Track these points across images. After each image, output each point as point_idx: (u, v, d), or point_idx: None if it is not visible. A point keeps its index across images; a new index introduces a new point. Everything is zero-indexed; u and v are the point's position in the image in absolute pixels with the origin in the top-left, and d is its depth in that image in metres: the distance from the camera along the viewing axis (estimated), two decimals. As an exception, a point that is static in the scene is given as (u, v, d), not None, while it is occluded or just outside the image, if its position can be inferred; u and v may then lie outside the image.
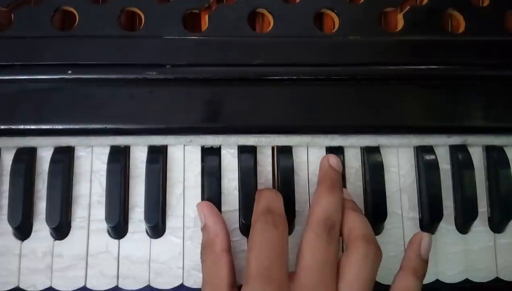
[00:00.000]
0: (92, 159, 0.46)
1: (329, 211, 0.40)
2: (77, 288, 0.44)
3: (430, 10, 0.47)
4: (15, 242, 0.44)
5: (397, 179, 0.46)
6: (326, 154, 0.46)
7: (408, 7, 0.47)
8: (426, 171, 0.45)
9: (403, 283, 0.39)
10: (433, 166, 0.46)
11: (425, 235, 0.41)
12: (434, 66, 0.46)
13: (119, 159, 0.45)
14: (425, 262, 0.40)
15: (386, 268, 0.45)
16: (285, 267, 0.39)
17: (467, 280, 0.45)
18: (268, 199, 0.41)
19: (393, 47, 0.46)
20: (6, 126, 0.43)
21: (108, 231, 0.45)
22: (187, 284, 0.44)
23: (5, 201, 0.44)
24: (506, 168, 0.46)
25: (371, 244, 0.38)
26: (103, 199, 0.44)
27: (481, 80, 0.46)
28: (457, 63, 0.46)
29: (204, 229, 0.43)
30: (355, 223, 0.40)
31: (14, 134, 0.44)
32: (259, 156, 0.46)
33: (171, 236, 0.45)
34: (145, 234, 0.45)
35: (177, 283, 0.44)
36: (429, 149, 0.46)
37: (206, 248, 0.42)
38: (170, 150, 0.46)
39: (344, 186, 0.46)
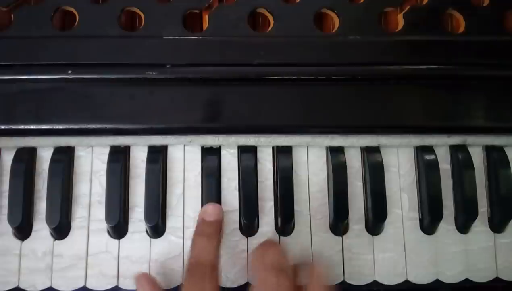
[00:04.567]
0: (92, 159, 0.46)
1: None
2: (77, 288, 0.44)
3: (430, 10, 0.47)
4: (15, 242, 0.44)
5: (397, 179, 0.46)
6: (326, 154, 0.46)
7: (408, 7, 0.47)
8: (426, 171, 0.45)
9: None
10: (433, 166, 0.46)
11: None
12: (434, 66, 0.46)
13: (119, 159, 0.45)
14: None
15: (386, 268, 0.45)
16: None
17: (467, 280, 0.45)
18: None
19: (393, 47, 0.46)
20: (6, 126, 0.43)
21: (108, 231, 0.45)
22: (187, 284, 0.44)
23: (5, 201, 0.44)
24: (506, 168, 0.46)
25: None
26: (103, 199, 0.44)
27: (481, 80, 0.46)
28: (457, 63, 0.46)
29: None
30: None
31: (14, 134, 0.44)
32: (259, 156, 0.46)
33: (171, 236, 0.45)
34: (145, 234, 0.45)
35: (177, 283, 0.44)
36: (429, 149, 0.46)
37: None
38: (170, 150, 0.46)
39: (344, 186, 0.45)
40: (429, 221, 0.45)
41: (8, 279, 0.43)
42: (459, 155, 0.46)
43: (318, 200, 0.46)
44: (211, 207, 0.43)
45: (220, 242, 0.43)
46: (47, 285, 0.43)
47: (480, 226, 0.46)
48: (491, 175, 0.47)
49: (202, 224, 0.43)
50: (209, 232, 0.42)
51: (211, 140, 0.45)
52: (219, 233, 0.42)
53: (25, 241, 0.44)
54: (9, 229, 0.44)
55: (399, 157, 0.47)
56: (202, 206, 0.45)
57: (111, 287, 0.44)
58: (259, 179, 0.45)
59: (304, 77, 0.45)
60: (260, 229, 0.45)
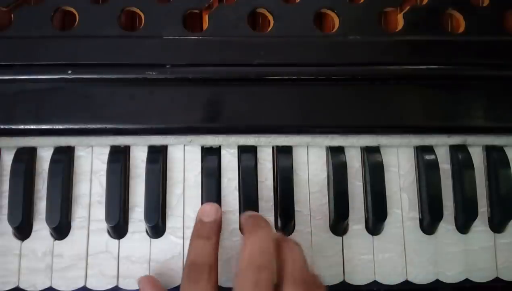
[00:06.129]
0: (92, 159, 0.46)
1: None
2: (77, 288, 0.44)
3: (430, 10, 0.47)
4: (15, 242, 0.44)
5: (397, 179, 0.46)
6: (326, 154, 0.46)
7: (408, 7, 0.47)
8: (426, 171, 0.45)
9: None
10: (433, 166, 0.46)
11: None
12: (434, 66, 0.46)
13: (119, 159, 0.45)
14: None
15: (386, 268, 0.45)
16: None
17: (467, 280, 0.45)
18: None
19: (393, 47, 0.46)
20: (6, 126, 0.43)
21: (108, 231, 0.45)
22: (187, 284, 0.44)
23: (5, 201, 0.44)
24: (506, 168, 0.46)
25: None
26: (103, 199, 0.44)
27: (481, 80, 0.46)
28: (457, 63, 0.46)
29: None
30: None
31: (14, 134, 0.44)
32: (259, 156, 0.46)
33: (171, 236, 0.45)
34: (145, 234, 0.45)
35: (177, 283, 0.44)
36: (429, 149, 0.46)
37: None
38: (170, 150, 0.46)
39: (345, 186, 0.45)
40: (429, 221, 0.45)
41: (8, 279, 0.43)
42: (459, 155, 0.46)
43: (318, 200, 0.46)
44: (208, 207, 0.43)
45: (218, 242, 0.42)
46: (47, 285, 0.43)
47: (480, 226, 0.46)
48: (491, 175, 0.47)
49: (199, 225, 0.42)
50: (206, 233, 0.41)
51: (211, 140, 0.45)
52: (217, 233, 0.42)
53: (25, 241, 0.44)
54: (9, 229, 0.44)
55: (399, 157, 0.47)
56: (202, 206, 0.45)
57: (111, 287, 0.44)
58: (259, 179, 0.45)
59: (304, 77, 0.45)
60: (260, 229, 0.45)
